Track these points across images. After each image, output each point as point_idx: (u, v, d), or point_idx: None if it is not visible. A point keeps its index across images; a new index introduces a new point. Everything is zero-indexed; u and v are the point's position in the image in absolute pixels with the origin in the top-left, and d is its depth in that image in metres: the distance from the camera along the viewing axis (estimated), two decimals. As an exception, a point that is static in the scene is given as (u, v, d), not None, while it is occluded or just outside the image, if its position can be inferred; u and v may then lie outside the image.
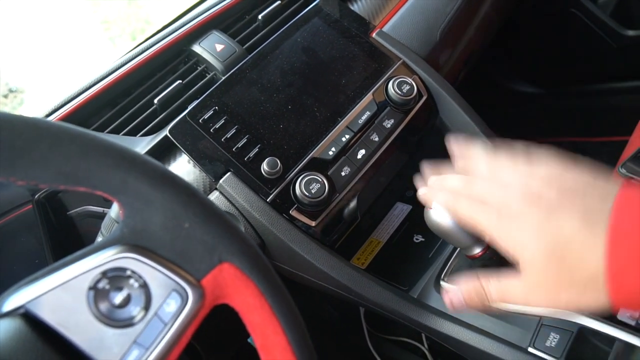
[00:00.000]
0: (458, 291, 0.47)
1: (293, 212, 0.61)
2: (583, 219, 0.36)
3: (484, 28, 0.91)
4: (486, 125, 0.72)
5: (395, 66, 0.72)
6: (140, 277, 0.34)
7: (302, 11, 0.75)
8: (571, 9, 1.12)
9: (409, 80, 0.70)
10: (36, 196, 0.70)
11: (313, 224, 0.61)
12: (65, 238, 0.74)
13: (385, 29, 0.77)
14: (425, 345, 0.83)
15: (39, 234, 0.72)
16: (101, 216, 0.75)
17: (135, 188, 0.34)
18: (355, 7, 0.78)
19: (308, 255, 0.60)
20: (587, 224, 0.36)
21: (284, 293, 0.36)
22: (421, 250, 0.74)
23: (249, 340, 1.13)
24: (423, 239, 0.75)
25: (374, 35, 0.75)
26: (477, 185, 0.45)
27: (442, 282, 0.65)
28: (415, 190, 0.85)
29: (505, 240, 0.41)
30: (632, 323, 0.48)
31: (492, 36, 1.01)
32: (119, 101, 0.70)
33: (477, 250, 0.59)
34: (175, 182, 0.35)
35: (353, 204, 0.65)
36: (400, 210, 0.81)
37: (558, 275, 0.38)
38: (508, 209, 0.41)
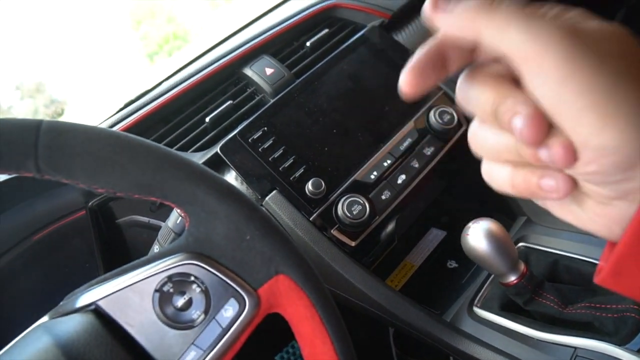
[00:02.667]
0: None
1: (334, 232, 0.63)
2: None
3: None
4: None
5: (437, 96, 0.75)
6: (202, 282, 0.37)
7: (348, 40, 0.79)
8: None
9: (450, 109, 0.72)
10: (90, 203, 0.75)
11: (353, 244, 0.63)
12: (113, 244, 0.78)
13: (428, 59, 0.79)
14: (454, 371, 0.84)
15: (89, 238, 0.76)
16: (146, 226, 0.79)
17: (203, 200, 0.37)
18: (399, 38, 0.82)
19: (347, 273, 0.62)
20: None
21: (333, 306, 0.39)
22: (455, 276, 0.75)
23: (276, 358, 1.15)
24: (457, 265, 0.77)
25: (417, 65, 0.78)
26: None
27: (475, 308, 0.66)
28: (449, 216, 0.87)
29: None
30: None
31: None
32: (172, 118, 0.74)
33: (512, 278, 0.60)
34: (240, 197, 0.38)
35: (391, 226, 0.68)
36: (435, 236, 0.83)
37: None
38: None
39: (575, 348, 0.55)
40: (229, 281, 0.37)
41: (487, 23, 0.24)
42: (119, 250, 0.79)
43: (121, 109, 0.78)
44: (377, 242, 0.67)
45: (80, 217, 0.75)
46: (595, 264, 0.62)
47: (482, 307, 0.65)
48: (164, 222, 0.77)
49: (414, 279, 0.77)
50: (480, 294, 0.67)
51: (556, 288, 0.61)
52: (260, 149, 0.66)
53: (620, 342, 0.52)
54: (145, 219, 0.79)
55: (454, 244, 0.78)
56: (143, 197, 0.38)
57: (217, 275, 0.37)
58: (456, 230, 0.70)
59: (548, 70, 0.23)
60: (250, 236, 0.38)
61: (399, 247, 0.79)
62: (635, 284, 0.26)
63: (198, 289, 0.37)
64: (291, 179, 0.64)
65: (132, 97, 0.80)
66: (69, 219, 0.74)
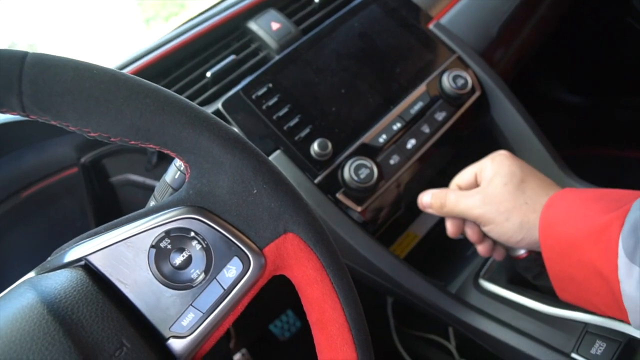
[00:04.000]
0: (429, 194, 0.61)
1: (339, 196, 0.60)
2: (541, 183, 0.53)
3: (539, 29, 0.89)
4: (539, 127, 0.71)
5: (451, 59, 0.71)
6: (203, 239, 0.34)
7: (359, -4, 0.74)
8: (627, 17, 1.08)
9: (464, 74, 0.69)
10: (82, 160, 0.71)
11: (359, 209, 0.60)
12: (106, 204, 0.75)
13: (442, 21, 0.75)
14: (453, 343, 0.82)
15: (81, 197, 0.73)
16: (141, 185, 0.76)
17: (207, 149, 0.34)
18: (413, -3, 0.77)
19: (351, 239, 0.59)
20: (543, 188, 0.53)
21: (344, 269, 0.36)
22: (459, 248, 0.73)
23: (270, 327, 1.14)
24: (462, 236, 0.74)
25: (430, 26, 0.74)
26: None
27: (481, 280, 0.64)
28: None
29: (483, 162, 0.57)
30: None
31: (545, 39, 0.99)
32: (172, 72, 0.70)
33: (522, 252, 0.58)
34: (247, 147, 0.34)
35: (398, 193, 0.65)
36: (440, 206, 0.80)
37: (513, 196, 0.52)
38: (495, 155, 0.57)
39: (586, 324, 0.53)
40: (232, 238, 0.34)
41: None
42: (111, 210, 0.76)
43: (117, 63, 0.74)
44: (382, 208, 0.64)
45: (72, 174, 0.72)
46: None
47: (489, 280, 0.63)
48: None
49: (417, 249, 0.75)
50: (486, 266, 0.65)
51: (567, 262, 0.59)
52: (264, 107, 0.62)
53: (633, 319, 0.50)
54: (140, 178, 0.76)
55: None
56: (140, 144, 0.34)
57: (219, 232, 0.34)
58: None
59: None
60: (257, 190, 0.34)
61: (403, 216, 0.77)
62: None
63: (198, 246, 0.34)
64: (296, 138, 0.61)
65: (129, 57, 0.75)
66: (60, 175, 0.71)
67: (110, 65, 0.71)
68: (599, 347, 0.50)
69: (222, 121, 0.35)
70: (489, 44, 0.76)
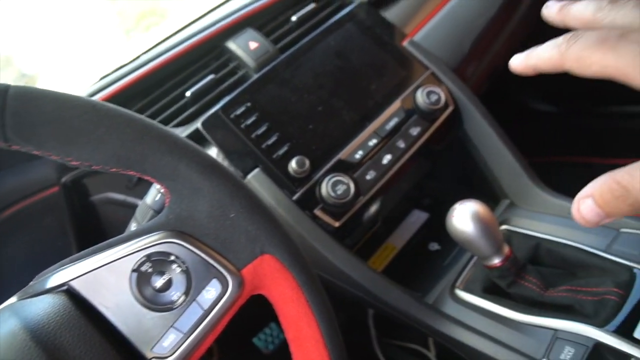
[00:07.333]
0: (589, 200, 0.34)
1: (317, 212, 0.62)
2: None
3: (510, 43, 0.92)
4: (510, 140, 0.73)
5: (425, 75, 0.74)
6: (183, 262, 0.35)
7: (335, 15, 0.77)
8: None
9: (438, 90, 0.71)
10: (63, 179, 0.71)
11: (336, 224, 0.62)
12: (87, 223, 0.75)
13: (416, 38, 0.78)
14: (433, 352, 0.84)
15: (62, 216, 0.73)
16: (122, 203, 0.76)
17: (185, 175, 0.35)
18: (387, 14, 0.80)
19: (329, 254, 0.61)
20: None
21: (320, 288, 0.37)
22: (436, 258, 0.74)
23: (253, 340, 1.14)
24: (439, 247, 0.76)
25: (405, 43, 0.76)
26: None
27: (457, 290, 0.66)
28: (431, 199, 0.87)
29: None
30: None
31: (517, 52, 1.02)
32: (151, 91, 0.71)
33: (496, 261, 0.59)
34: (224, 173, 0.36)
35: (375, 207, 0.67)
36: (417, 218, 0.82)
37: None
38: None
39: (556, 330, 0.55)
40: (211, 261, 0.35)
41: None
42: (93, 229, 0.76)
43: (96, 83, 0.74)
44: (360, 222, 0.66)
45: (52, 193, 0.72)
46: (577, 248, 0.62)
47: (464, 290, 0.65)
48: (141, 199, 0.74)
49: (395, 261, 0.76)
50: (462, 276, 0.67)
51: (538, 271, 0.61)
52: (243, 125, 0.63)
53: (600, 324, 0.52)
54: (121, 197, 0.76)
55: (436, 226, 0.78)
56: (121, 172, 0.36)
57: (198, 255, 0.35)
58: (438, 212, 0.69)
59: None
60: (234, 214, 0.36)
61: (380, 229, 0.79)
62: None
63: (178, 269, 0.36)
64: (274, 156, 0.62)
65: (108, 71, 0.76)
66: (42, 195, 0.71)
67: (92, 85, 0.72)
68: (567, 352, 0.52)
69: (199, 148, 0.36)
70: (461, 60, 0.79)
